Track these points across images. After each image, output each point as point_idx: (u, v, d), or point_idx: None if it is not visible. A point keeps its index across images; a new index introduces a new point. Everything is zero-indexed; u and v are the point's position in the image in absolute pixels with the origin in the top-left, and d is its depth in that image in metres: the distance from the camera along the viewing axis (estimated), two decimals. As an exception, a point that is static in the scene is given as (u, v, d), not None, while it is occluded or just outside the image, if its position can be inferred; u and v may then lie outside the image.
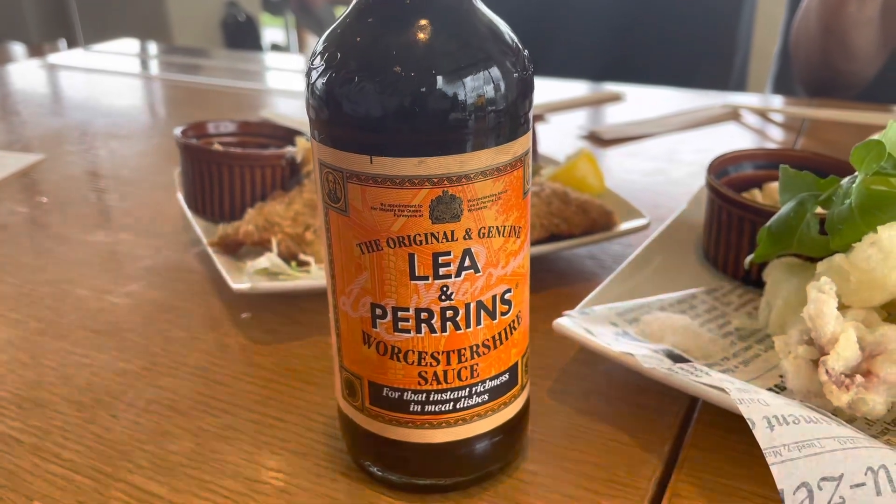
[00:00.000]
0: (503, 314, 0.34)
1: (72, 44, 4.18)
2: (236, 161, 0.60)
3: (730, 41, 1.37)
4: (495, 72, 0.30)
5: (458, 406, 0.35)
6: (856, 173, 0.38)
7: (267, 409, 0.44)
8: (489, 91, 0.30)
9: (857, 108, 0.95)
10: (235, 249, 0.56)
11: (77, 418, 0.44)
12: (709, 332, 0.45)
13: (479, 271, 0.33)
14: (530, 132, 0.33)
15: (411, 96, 0.29)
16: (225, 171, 0.60)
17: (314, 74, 0.31)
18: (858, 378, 0.36)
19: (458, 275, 0.32)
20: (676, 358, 0.42)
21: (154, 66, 1.46)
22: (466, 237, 0.32)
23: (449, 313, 0.33)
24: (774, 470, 0.31)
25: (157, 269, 0.62)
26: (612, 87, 1.15)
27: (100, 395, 0.46)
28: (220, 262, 0.54)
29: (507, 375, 0.36)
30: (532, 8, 1.46)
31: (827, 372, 0.36)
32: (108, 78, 1.33)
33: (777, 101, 1.08)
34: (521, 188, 0.33)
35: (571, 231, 0.57)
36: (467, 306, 0.33)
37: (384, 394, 0.35)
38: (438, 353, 0.33)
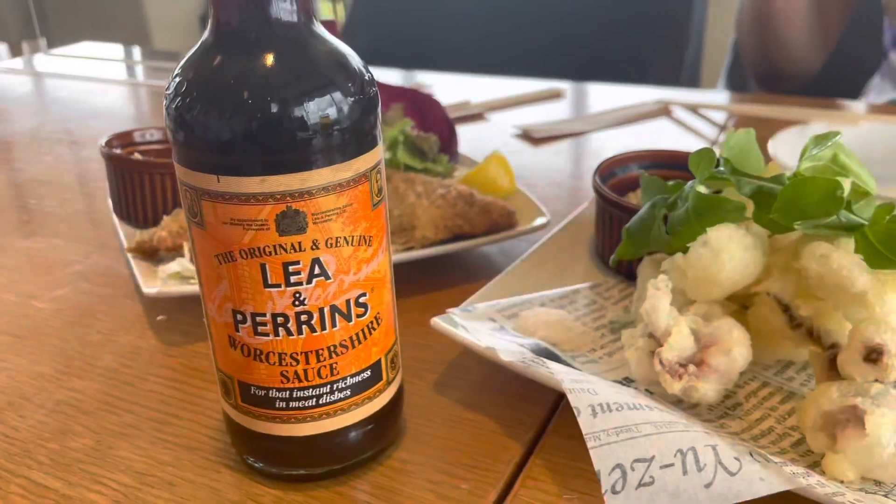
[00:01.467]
0: (359, 316, 0.37)
1: (52, 45, 4.17)
2: (155, 169, 0.63)
3: (682, 34, 1.40)
4: (331, 95, 0.33)
5: (320, 402, 0.38)
6: (695, 179, 0.41)
7: (167, 408, 0.47)
8: (324, 113, 0.33)
9: (785, 104, 0.98)
10: (152, 255, 0.59)
11: (-13, 419, 0.47)
12: (582, 326, 0.49)
13: (329, 278, 0.35)
14: (378, 147, 0.36)
15: (248, 120, 0.32)
16: (146, 179, 0.63)
17: (168, 99, 0.34)
18: (691, 368, 0.39)
19: (309, 282, 0.35)
20: (542, 351, 0.45)
21: (119, 70, 1.47)
22: (314, 247, 0.35)
23: (304, 317, 0.36)
24: (593, 453, 0.34)
25: (85, 273, 0.65)
26: (555, 84, 1.18)
27: (12, 397, 0.49)
28: (136, 266, 0.57)
29: (368, 372, 0.39)
30: (481, 7, 1.49)
31: (661, 362, 0.39)
32: (67, 82, 1.35)
33: (710, 96, 1.11)
34: (368, 201, 0.36)
35: (474, 231, 0.60)
36: (321, 310, 0.36)
37: (252, 392, 0.38)
38: (297, 353, 0.36)
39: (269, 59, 0.33)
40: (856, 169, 0.42)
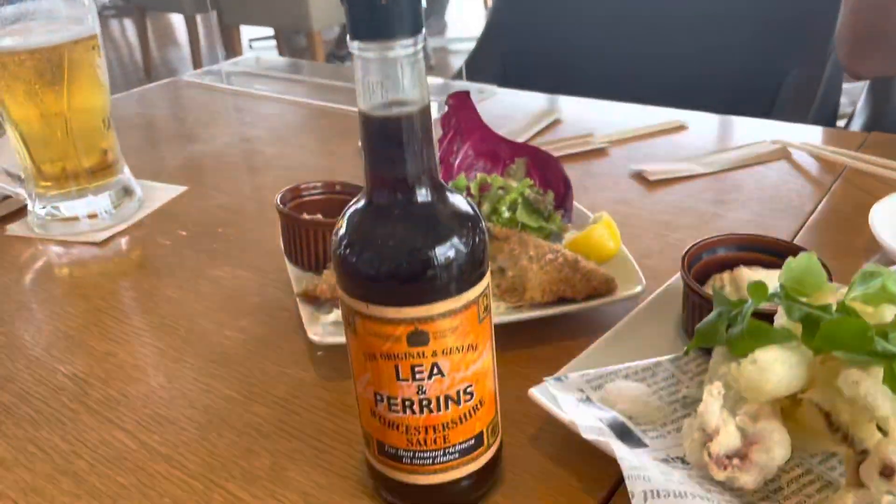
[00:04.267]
0: (466, 401, 0.49)
1: (222, 19, 4.59)
2: (319, 227, 0.77)
3: (817, 70, 1.39)
4: (449, 252, 0.44)
5: (435, 461, 0.50)
6: (750, 301, 0.49)
7: (324, 438, 0.61)
8: (443, 265, 0.44)
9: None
10: (315, 302, 0.74)
11: (196, 435, 0.63)
12: (658, 401, 0.58)
13: (444, 375, 0.47)
14: (483, 280, 0.47)
15: (390, 270, 0.44)
16: (311, 235, 0.77)
17: (334, 245, 0.47)
18: (735, 461, 0.48)
19: (429, 378, 0.47)
20: (619, 426, 0.54)
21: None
22: (434, 355, 0.46)
23: (425, 402, 0.48)
24: (639, 529, 0.44)
25: (263, 306, 0.80)
26: (678, 115, 1.22)
27: (212, 417, 0.65)
28: (303, 311, 0.72)
29: (473, 441, 0.50)
30: (620, 34, 1.54)
31: (709, 454, 0.48)
32: (243, 100, 1.54)
33: (825, 135, 1.12)
34: (476, 319, 0.47)
35: (575, 295, 0.70)
36: (438, 398, 0.48)
37: (386, 449, 0.51)
38: (419, 427, 0.49)
39: (406, 226, 0.45)
40: (905, 295, 0.49)
